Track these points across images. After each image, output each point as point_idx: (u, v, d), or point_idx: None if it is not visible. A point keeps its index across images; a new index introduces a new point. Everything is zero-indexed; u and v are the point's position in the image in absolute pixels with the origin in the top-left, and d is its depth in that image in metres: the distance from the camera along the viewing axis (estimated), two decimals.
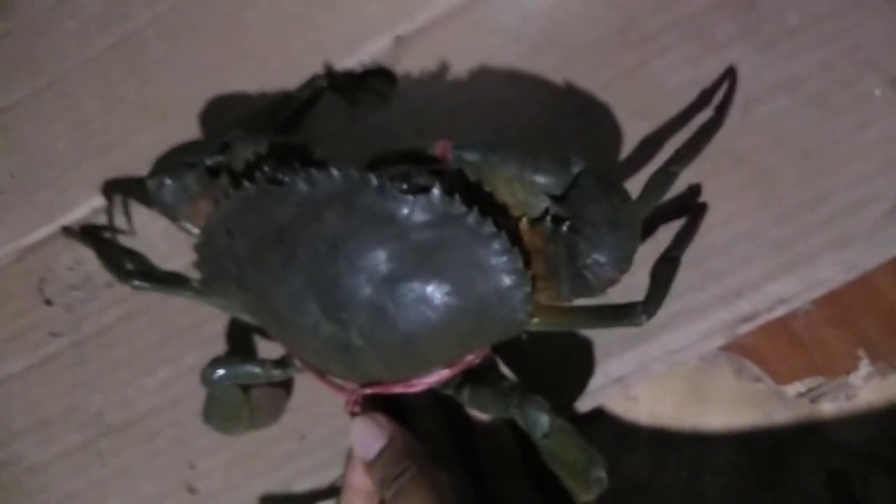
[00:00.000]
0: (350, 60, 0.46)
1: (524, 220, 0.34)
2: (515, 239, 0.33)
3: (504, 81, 0.44)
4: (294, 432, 0.44)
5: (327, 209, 0.33)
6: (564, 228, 0.32)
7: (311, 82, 0.45)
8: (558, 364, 0.41)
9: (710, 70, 0.41)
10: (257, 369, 0.40)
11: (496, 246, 0.32)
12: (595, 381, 0.41)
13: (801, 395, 0.41)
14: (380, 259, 0.33)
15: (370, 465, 0.36)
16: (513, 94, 0.43)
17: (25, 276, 0.48)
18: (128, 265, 0.44)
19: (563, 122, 0.43)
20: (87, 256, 0.48)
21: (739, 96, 0.41)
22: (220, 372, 0.40)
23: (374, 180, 0.32)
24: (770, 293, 0.40)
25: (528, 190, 0.33)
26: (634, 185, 0.36)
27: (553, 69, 0.43)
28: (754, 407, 0.41)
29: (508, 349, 0.38)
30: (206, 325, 0.46)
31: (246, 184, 0.34)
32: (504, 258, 0.32)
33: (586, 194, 0.32)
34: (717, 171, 0.40)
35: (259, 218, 0.34)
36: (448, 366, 0.37)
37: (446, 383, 0.37)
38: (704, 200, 0.40)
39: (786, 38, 0.41)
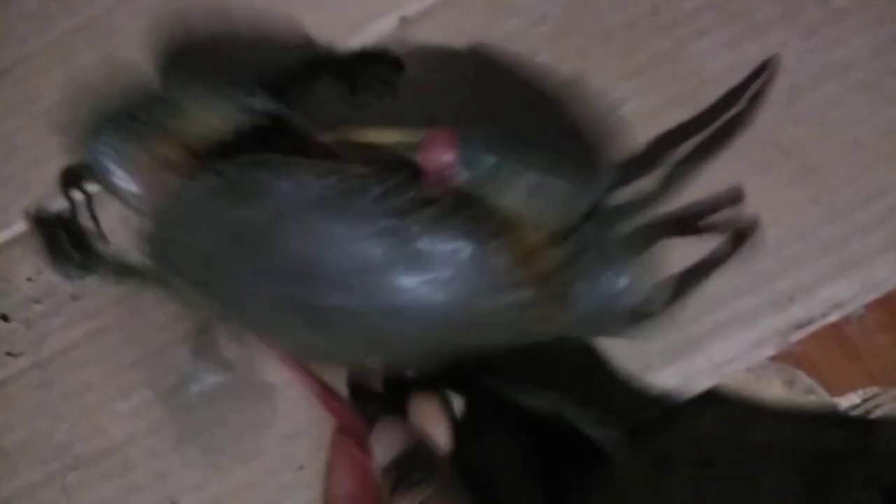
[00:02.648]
0: (351, 43, 0.41)
1: (534, 237, 0.30)
2: (523, 257, 0.29)
3: (523, 67, 0.40)
4: (291, 462, 0.39)
5: (312, 214, 0.28)
6: (579, 260, 0.29)
7: (307, 55, 0.40)
8: (594, 379, 0.37)
9: (752, 55, 0.38)
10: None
11: (507, 263, 0.29)
12: (633, 398, 0.37)
13: (856, 406, 0.37)
14: (373, 273, 0.28)
15: (387, 471, 0.31)
16: (533, 81, 0.39)
17: None
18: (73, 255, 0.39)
19: (591, 110, 0.39)
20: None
21: (784, 84, 0.38)
22: None
23: (376, 188, 0.28)
24: (824, 297, 0.36)
25: (543, 210, 0.29)
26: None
27: (579, 53, 0.39)
28: (806, 421, 0.38)
29: (543, 368, 0.34)
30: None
31: (209, 174, 0.30)
32: (515, 276, 0.29)
33: (611, 214, 0.30)
34: (763, 164, 0.37)
35: (222, 214, 0.30)
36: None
37: None
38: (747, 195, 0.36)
39: (832, 22, 0.38)
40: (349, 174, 0.28)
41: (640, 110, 0.38)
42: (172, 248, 0.32)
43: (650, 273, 0.31)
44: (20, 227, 0.43)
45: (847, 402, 0.37)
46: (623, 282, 0.30)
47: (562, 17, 0.40)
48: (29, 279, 0.42)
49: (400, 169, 0.29)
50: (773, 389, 0.38)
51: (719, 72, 0.38)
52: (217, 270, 0.31)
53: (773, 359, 0.37)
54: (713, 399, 0.38)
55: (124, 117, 0.33)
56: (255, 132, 0.33)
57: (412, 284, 0.28)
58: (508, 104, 0.39)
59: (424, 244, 0.28)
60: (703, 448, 0.38)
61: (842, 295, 0.36)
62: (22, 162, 0.43)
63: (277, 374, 0.39)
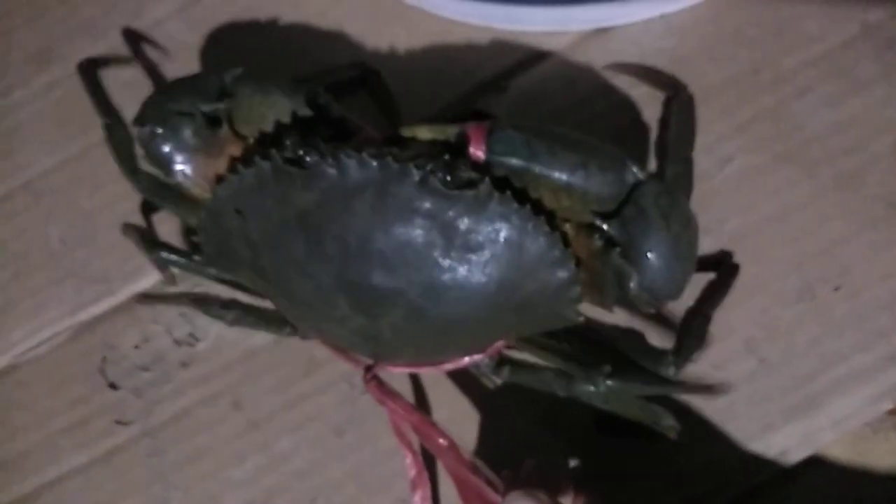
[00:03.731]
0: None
1: (569, 226, 0.31)
2: (561, 240, 0.30)
3: (624, 126, 0.40)
4: None
5: (357, 200, 0.29)
6: (615, 253, 0.29)
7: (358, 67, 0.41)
8: (714, 441, 0.37)
9: (853, 110, 0.39)
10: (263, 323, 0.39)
11: (547, 244, 0.30)
12: (755, 457, 0.37)
13: None
14: (419, 257, 0.29)
15: None
16: (634, 140, 0.40)
17: (85, 357, 0.43)
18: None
19: (695, 169, 0.39)
20: (156, 332, 0.43)
21: (889, 139, 0.38)
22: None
23: (416, 173, 0.29)
24: None
25: (577, 200, 0.30)
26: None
27: None
28: None
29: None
30: (300, 406, 0.41)
31: (260, 161, 0.30)
32: (555, 256, 0.30)
33: (642, 217, 0.29)
34: (871, 221, 0.37)
35: (275, 200, 0.31)
36: (482, 350, 0.35)
37: (478, 364, 0.36)
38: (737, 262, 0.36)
39: None
40: (392, 161, 0.29)
41: (746, 168, 0.39)
42: (226, 232, 0.33)
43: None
44: (125, 294, 0.43)
45: None
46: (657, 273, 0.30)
47: None
48: (136, 347, 0.43)
49: (440, 156, 0.30)
50: (890, 443, 0.38)
51: (823, 128, 0.38)
52: (268, 253, 0.32)
53: (891, 413, 0.37)
54: (829, 457, 0.38)
55: (186, 102, 0.34)
56: (307, 127, 0.33)
57: (453, 264, 0.29)
58: None
59: (464, 225, 0.29)
60: None
61: None
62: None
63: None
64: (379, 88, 0.41)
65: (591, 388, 0.33)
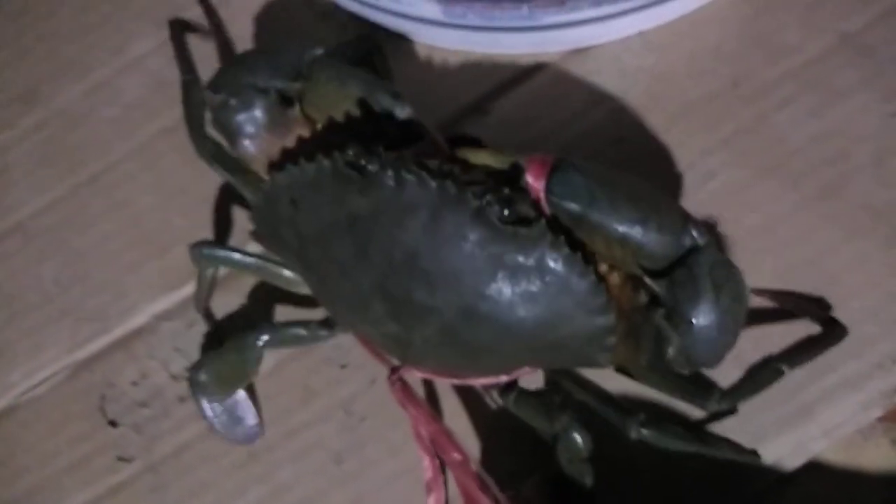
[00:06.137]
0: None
1: (616, 275, 0.31)
2: (607, 288, 0.31)
3: (606, 145, 0.40)
4: None
5: (410, 217, 0.30)
6: (659, 314, 0.30)
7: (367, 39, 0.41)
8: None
9: (834, 120, 0.39)
10: (302, 331, 0.38)
11: (591, 291, 0.30)
12: (748, 468, 0.37)
13: None
14: (461, 283, 0.30)
15: None
16: (615, 159, 0.40)
17: (84, 395, 0.43)
18: None
19: (679, 185, 0.40)
20: (153, 368, 0.43)
21: (869, 148, 0.38)
22: (265, 338, 0.37)
23: (474, 202, 0.29)
24: None
25: (630, 254, 0.30)
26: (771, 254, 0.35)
27: (662, 129, 0.40)
28: None
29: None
30: (299, 435, 0.41)
31: (321, 159, 0.31)
32: (597, 304, 0.30)
33: (693, 283, 0.29)
34: (856, 230, 0.38)
35: (330, 200, 0.31)
36: (506, 373, 0.35)
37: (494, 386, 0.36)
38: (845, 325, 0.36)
39: None
40: (452, 185, 0.29)
41: (730, 182, 0.39)
42: (278, 218, 0.34)
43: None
44: (121, 331, 0.44)
45: None
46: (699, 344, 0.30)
47: (642, 95, 0.41)
48: (134, 383, 0.43)
49: (500, 188, 0.30)
50: (882, 449, 0.38)
51: (805, 140, 0.39)
52: (314, 247, 0.33)
53: (881, 419, 0.38)
54: (823, 463, 0.39)
55: (263, 76, 0.35)
56: (376, 124, 0.34)
57: (496, 294, 0.30)
58: None
59: (512, 261, 0.29)
60: None
61: None
62: (117, 267, 0.44)
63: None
64: (380, 63, 0.41)
65: (579, 441, 0.33)
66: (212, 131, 0.38)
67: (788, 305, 0.37)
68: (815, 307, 0.37)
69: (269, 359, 0.41)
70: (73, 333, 0.44)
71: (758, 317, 0.36)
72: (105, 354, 0.44)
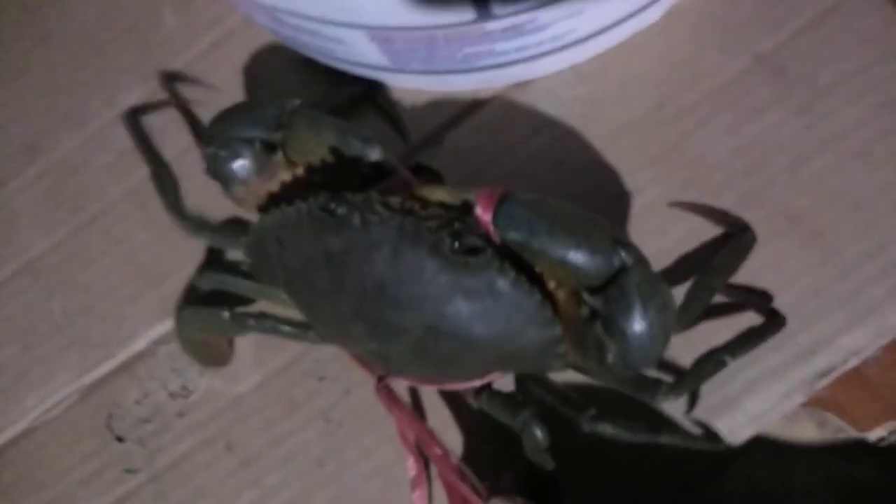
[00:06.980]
0: None
1: (562, 291, 0.35)
2: (553, 303, 0.35)
3: (548, 168, 0.45)
4: None
5: (376, 252, 0.34)
6: (598, 325, 0.34)
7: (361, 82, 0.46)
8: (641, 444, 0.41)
9: (750, 136, 0.43)
10: (287, 328, 0.42)
11: (537, 308, 0.34)
12: (687, 452, 0.41)
13: (883, 438, 0.42)
14: (424, 306, 0.34)
15: None
16: (553, 182, 0.44)
17: (93, 415, 0.48)
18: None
19: (613, 201, 0.43)
20: (153, 388, 0.48)
21: (785, 159, 0.42)
22: (251, 322, 0.42)
23: (429, 237, 0.34)
24: (842, 346, 0.41)
25: (569, 274, 0.34)
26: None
27: (597, 151, 0.44)
28: (840, 458, 0.42)
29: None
30: (284, 443, 0.46)
31: (299, 204, 0.36)
32: (544, 318, 0.34)
33: (623, 298, 0.33)
34: (775, 233, 0.41)
35: (310, 239, 0.36)
36: (478, 378, 0.39)
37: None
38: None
39: (820, 98, 0.42)
40: (410, 223, 0.34)
41: (658, 196, 0.43)
42: (267, 254, 0.39)
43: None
44: (124, 355, 0.48)
45: (875, 435, 0.42)
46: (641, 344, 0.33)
47: (577, 120, 0.45)
48: (137, 402, 0.48)
49: (452, 222, 0.35)
50: (808, 432, 0.42)
51: (724, 155, 0.43)
52: (299, 280, 0.38)
53: (805, 405, 0.41)
54: (757, 446, 0.42)
55: (247, 129, 0.40)
56: (349, 166, 0.38)
57: (456, 314, 0.34)
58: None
59: (467, 284, 0.34)
60: (754, 491, 0.42)
61: (858, 343, 0.40)
62: (117, 298, 0.49)
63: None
64: (384, 103, 0.46)
65: (538, 435, 0.37)
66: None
67: (733, 296, 0.41)
68: (757, 298, 0.41)
69: (255, 374, 0.46)
70: (81, 360, 0.49)
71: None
72: (110, 377, 0.48)
